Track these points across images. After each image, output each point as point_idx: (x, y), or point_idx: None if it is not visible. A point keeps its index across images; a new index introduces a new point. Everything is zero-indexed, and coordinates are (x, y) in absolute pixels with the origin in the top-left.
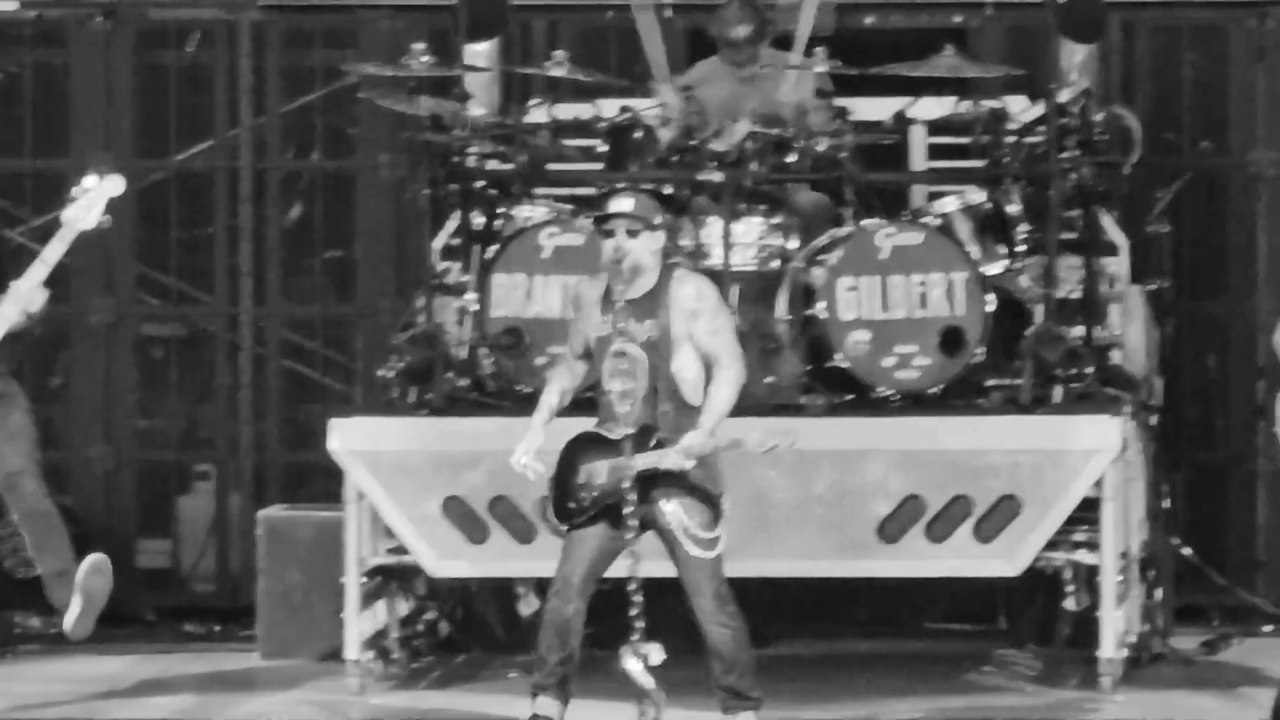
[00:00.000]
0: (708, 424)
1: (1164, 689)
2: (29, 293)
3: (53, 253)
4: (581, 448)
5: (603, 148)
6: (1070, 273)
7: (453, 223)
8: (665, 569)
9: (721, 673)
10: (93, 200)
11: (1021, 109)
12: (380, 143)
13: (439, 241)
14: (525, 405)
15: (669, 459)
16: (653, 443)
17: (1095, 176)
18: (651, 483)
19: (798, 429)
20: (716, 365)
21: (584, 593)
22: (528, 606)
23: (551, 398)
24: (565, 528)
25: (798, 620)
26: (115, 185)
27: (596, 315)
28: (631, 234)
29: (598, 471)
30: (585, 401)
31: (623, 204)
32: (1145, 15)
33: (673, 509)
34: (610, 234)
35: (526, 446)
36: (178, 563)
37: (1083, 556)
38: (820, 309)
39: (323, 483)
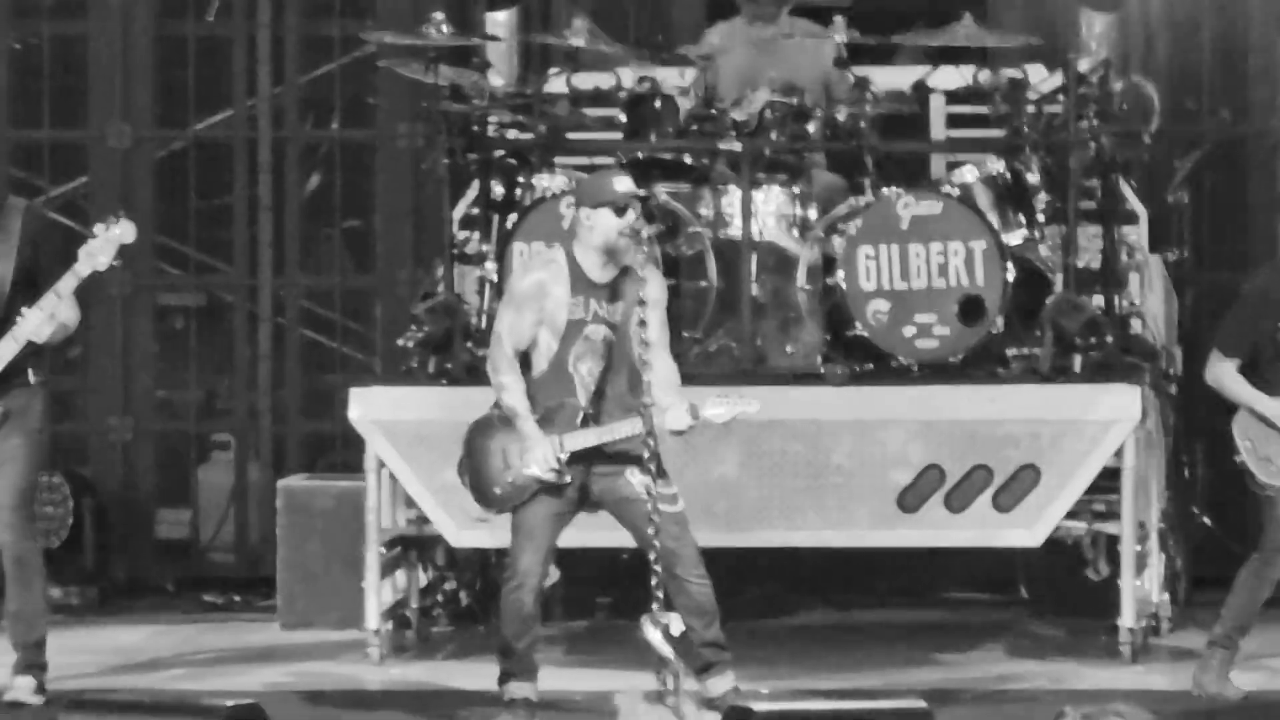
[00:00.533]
0: (676, 399)
1: (1184, 658)
2: (37, 324)
3: (65, 286)
4: (488, 432)
5: (622, 117)
6: (1090, 242)
7: (472, 192)
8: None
9: (704, 628)
10: (105, 245)
11: (1041, 78)
12: (399, 112)
13: (458, 211)
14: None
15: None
16: (579, 419)
17: (1115, 146)
18: (596, 458)
19: (758, 395)
20: (657, 354)
21: (542, 579)
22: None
23: (524, 401)
24: (492, 514)
25: (816, 590)
26: (127, 232)
27: (564, 297)
28: (647, 214)
29: (516, 453)
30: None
31: (630, 184)
32: None
33: (637, 478)
34: (623, 213)
35: (548, 453)
36: (197, 533)
37: (1102, 526)
38: (839, 279)
39: (342, 452)
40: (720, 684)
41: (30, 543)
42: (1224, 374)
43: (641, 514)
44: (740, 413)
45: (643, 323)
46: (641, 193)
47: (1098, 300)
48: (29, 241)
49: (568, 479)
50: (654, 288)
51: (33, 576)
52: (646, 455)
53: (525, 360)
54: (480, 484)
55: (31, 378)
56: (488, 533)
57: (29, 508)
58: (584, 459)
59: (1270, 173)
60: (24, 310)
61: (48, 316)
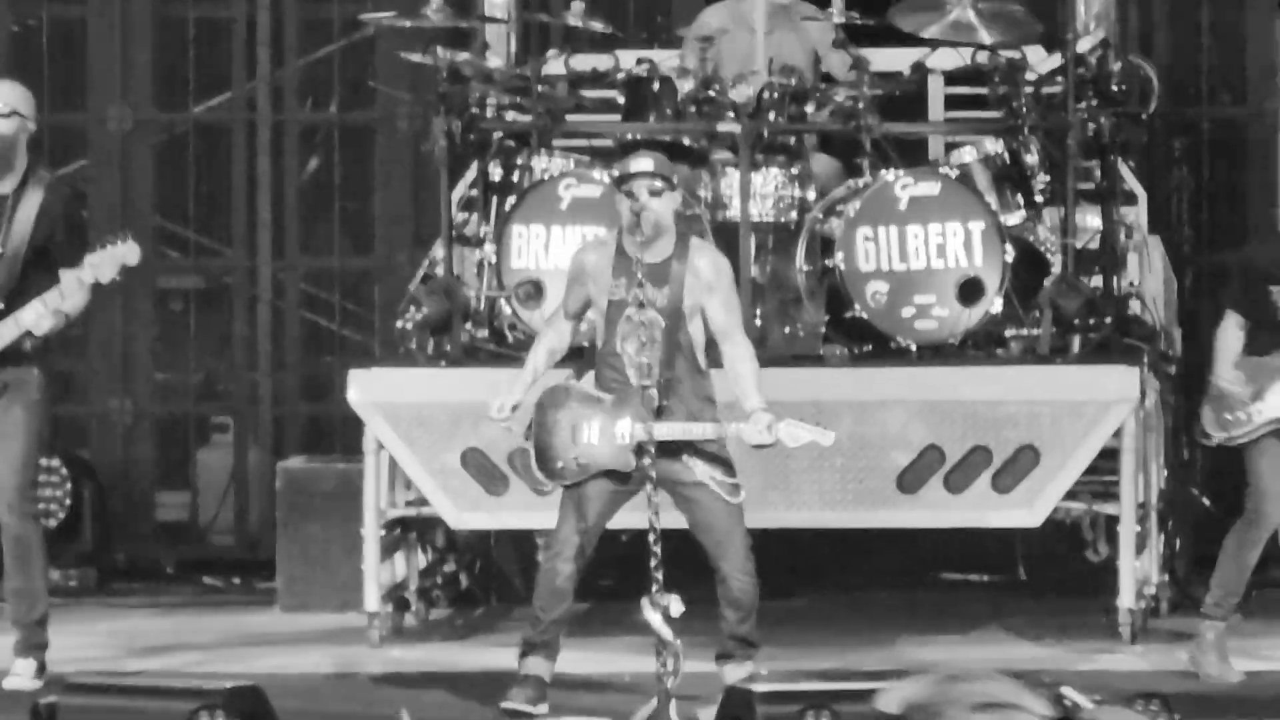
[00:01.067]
0: (757, 400)
1: (1182, 639)
2: (38, 317)
3: (70, 289)
4: (562, 402)
5: (620, 99)
6: (1089, 223)
7: (471, 174)
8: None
9: (738, 622)
10: (110, 260)
11: (1039, 59)
12: (398, 94)
13: (457, 193)
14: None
15: (749, 433)
16: (655, 407)
17: (1113, 127)
18: (669, 446)
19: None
20: (728, 340)
21: (582, 553)
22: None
23: (540, 358)
24: (551, 486)
25: (816, 571)
26: (132, 254)
27: (607, 279)
28: (654, 193)
29: (586, 430)
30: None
31: (644, 163)
32: None
33: (700, 465)
34: (631, 193)
35: (507, 401)
36: (196, 515)
37: (1101, 507)
38: (838, 260)
39: (341, 435)
40: (737, 672)
41: (30, 521)
42: (1225, 326)
43: (698, 499)
44: (814, 441)
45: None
46: (649, 169)
47: (1097, 281)
48: (47, 215)
49: (631, 464)
50: (705, 269)
51: (33, 555)
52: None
53: (587, 347)
54: (544, 453)
55: (32, 355)
56: (486, 514)
57: (30, 485)
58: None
59: (1269, 153)
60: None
61: (51, 311)
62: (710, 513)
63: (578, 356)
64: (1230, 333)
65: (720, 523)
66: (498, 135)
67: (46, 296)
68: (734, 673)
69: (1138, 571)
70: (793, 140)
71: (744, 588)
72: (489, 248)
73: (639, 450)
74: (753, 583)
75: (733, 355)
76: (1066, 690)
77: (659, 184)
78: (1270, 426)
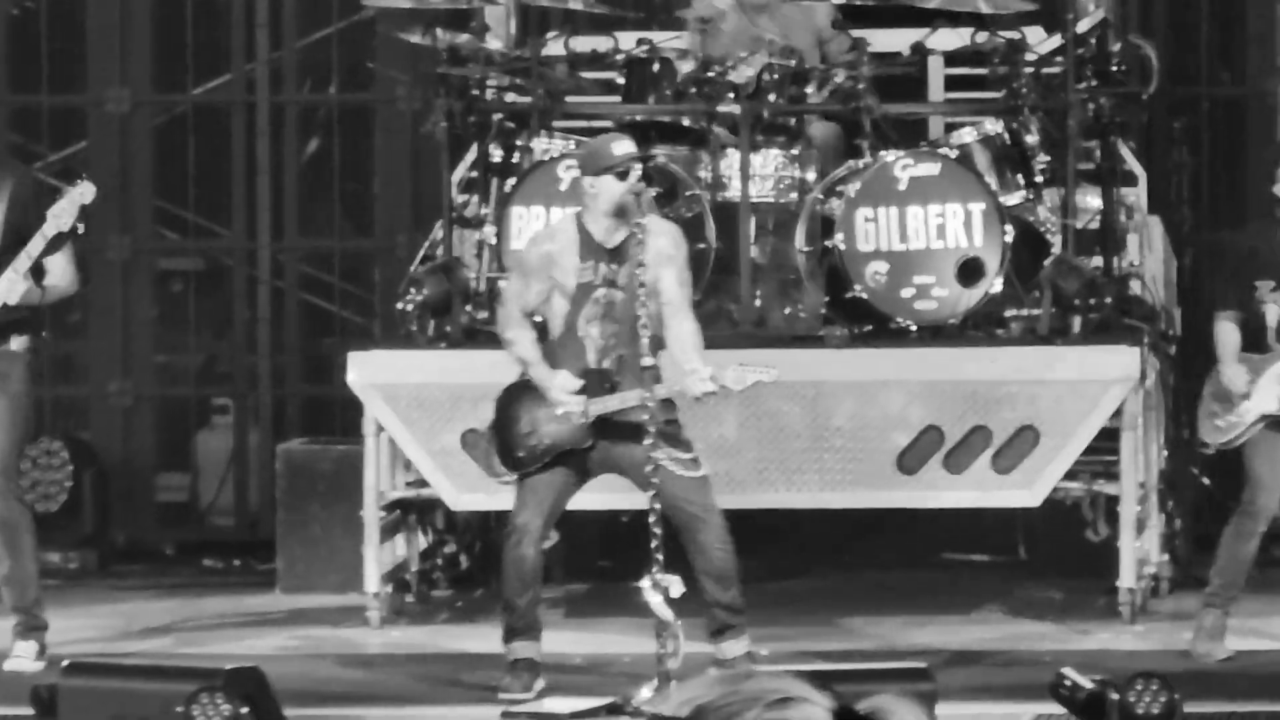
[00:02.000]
0: (700, 364)
1: (1183, 619)
2: (8, 286)
3: (35, 247)
4: (517, 397)
5: (620, 80)
6: (1089, 203)
7: (470, 155)
8: None
9: (721, 591)
10: (68, 206)
11: (1039, 40)
12: (398, 76)
13: (457, 174)
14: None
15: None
16: (607, 386)
17: (1113, 107)
18: (628, 429)
19: (776, 362)
20: (677, 314)
21: (544, 536)
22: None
23: (535, 350)
24: (514, 476)
25: (816, 552)
26: (86, 193)
27: (574, 263)
28: (646, 176)
29: (542, 419)
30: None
31: (630, 146)
32: None
33: (653, 445)
34: (624, 176)
35: (567, 384)
36: (197, 497)
37: (1102, 487)
38: (838, 240)
39: (341, 416)
40: (735, 647)
41: (16, 504)
42: (1218, 327)
43: (662, 479)
44: (759, 380)
45: (642, 285)
46: (640, 153)
47: (1096, 261)
48: (18, 203)
49: (586, 443)
50: (666, 244)
51: (22, 540)
52: (653, 420)
53: (543, 327)
54: (505, 446)
55: (14, 344)
56: (486, 495)
57: (14, 472)
58: (603, 427)
59: (1268, 133)
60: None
61: (20, 276)
62: (677, 488)
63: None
64: (1228, 333)
65: (691, 495)
66: (497, 117)
67: (15, 262)
68: (732, 648)
69: (1138, 551)
70: (792, 121)
71: (723, 556)
72: (489, 229)
73: (596, 426)
74: (731, 551)
75: (678, 328)
76: (1067, 670)
77: (646, 165)
78: (1262, 422)
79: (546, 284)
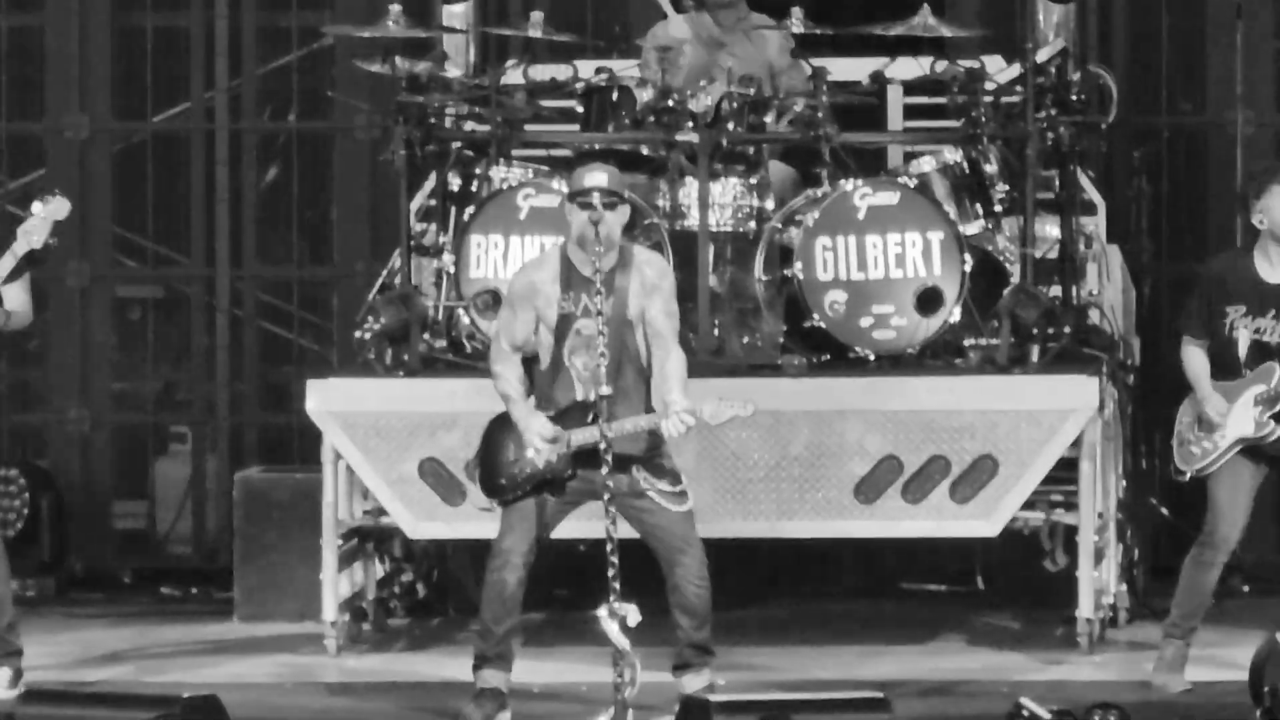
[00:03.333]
0: (680, 397)
1: (1141, 649)
2: None
3: (4, 265)
4: (505, 426)
5: (579, 109)
6: (1048, 232)
7: (429, 184)
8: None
9: (694, 629)
10: (41, 223)
11: (998, 69)
12: (357, 104)
13: (416, 203)
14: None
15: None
16: (590, 418)
17: (1072, 136)
18: (616, 459)
19: (754, 397)
20: (663, 346)
21: (527, 564)
22: None
23: (518, 386)
24: (495, 504)
25: (773, 581)
26: (61, 208)
27: (556, 293)
28: (608, 206)
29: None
30: None
31: (599, 177)
32: None
33: (643, 476)
34: (588, 206)
35: (541, 429)
36: (154, 525)
37: (1060, 516)
38: (797, 269)
39: (299, 445)
40: (695, 682)
41: None
42: (1186, 354)
43: (647, 509)
44: (736, 415)
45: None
46: (604, 184)
47: (1055, 291)
48: None
49: (567, 473)
50: (652, 274)
51: None
52: (608, 452)
53: (532, 359)
54: (488, 473)
55: None
56: (444, 524)
57: None
58: (591, 458)
59: (1228, 163)
60: None
61: None
62: (660, 521)
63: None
64: (1198, 358)
65: (673, 529)
66: (456, 145)
67: None
68: (692, 683)
69: (1096, 581)
70: (751, 150)
71: (699, 594)
72: (447, 257)
73: (577, 456)
74: (707, 590)
75: (663, 359)
76: (1025, 700)
77: (613, 198)
78: (1238, 446)
79: (532, 314)
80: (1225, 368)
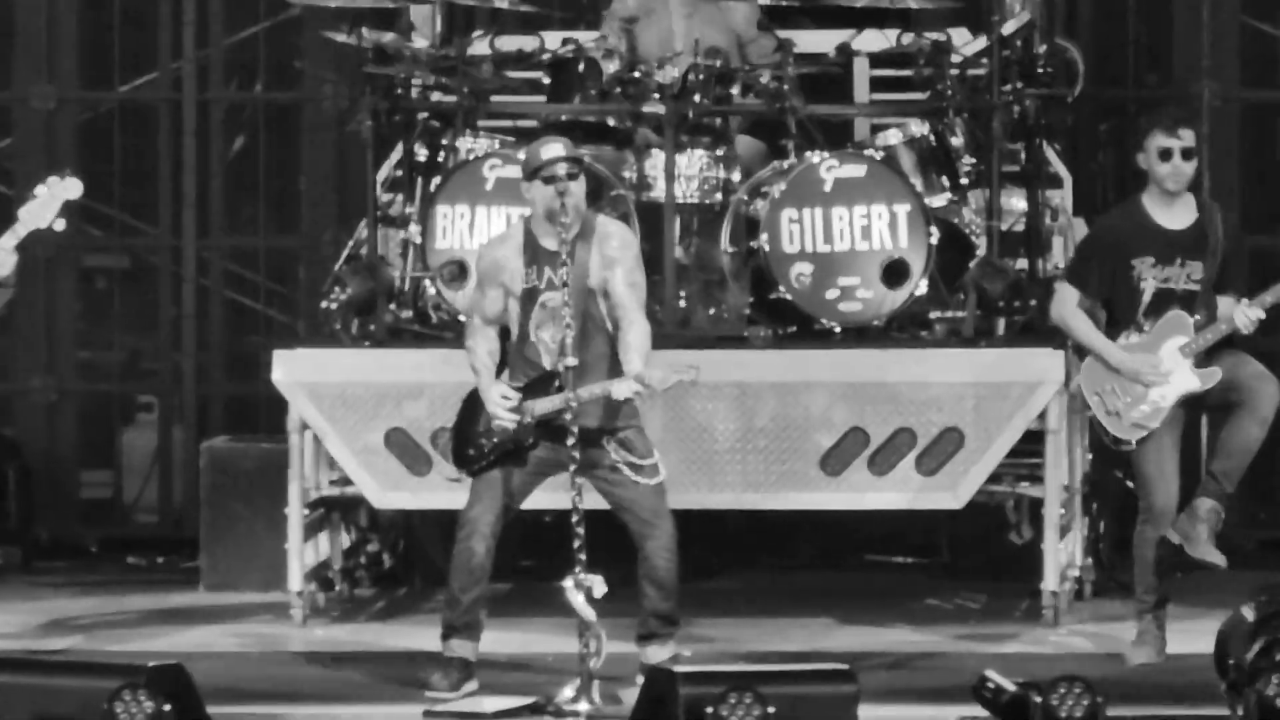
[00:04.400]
0: (639, 366)
1: (1106, 621)
2: None
3: (5, 242)
4: (476, 398)
5: (546, 80)
6: (1014, 205)
7: (396, 155)
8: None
9: (660, 600)
10: (48, 201)
11: (964, 41)
12: (324, 74)
13: (382, 173)
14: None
15: (617, 388)
16: (554, 388)
17: (1038, 109)
18: (586, 431)
19: (699, 362)
20: (625, 316)
21: (495, 533)
22: None
23: (485, 360)
24: (463, 474)
25: (740, 552)
26: (73, 188)
27: (520, 268)
28: (571, 177)
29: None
30: None
31: (558, 148)
32: None
33: (613, 449)
34: (551, 179)
35: (503, 397)
36: (120, 494)
37: (1026, 489)
38: (763, 241)
39: (266, 414)
40: (659, 653)
41: None
42: (1069, 312)
43: (617, 481)
44: (681, 380)
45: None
46: (565, 155)
47: (1021, 263)
48: None
49: (529, 441)
50: (614, 246)
51: None
52: (575, 421)
53: (507, 333)
54: (458, 444)
55: None
56: (410, 494)
57: None
58: (559, 430)
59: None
60: None
61: None
62: (630, 494)
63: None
64: (1081, 321)
65: (643, 502)
66: (423, 115)
67: None
68: (656, 653)
69: (1061, 554)
70: (718, 122)
71: (668, 567)
72: (414, 228)
73: (540, 426)
74: (674, 562)
75: (626, 328)
76: (990, 673)
77: (576, 168)
78: (1180, 403)
79: (499, 289)
80: (1118, 319)
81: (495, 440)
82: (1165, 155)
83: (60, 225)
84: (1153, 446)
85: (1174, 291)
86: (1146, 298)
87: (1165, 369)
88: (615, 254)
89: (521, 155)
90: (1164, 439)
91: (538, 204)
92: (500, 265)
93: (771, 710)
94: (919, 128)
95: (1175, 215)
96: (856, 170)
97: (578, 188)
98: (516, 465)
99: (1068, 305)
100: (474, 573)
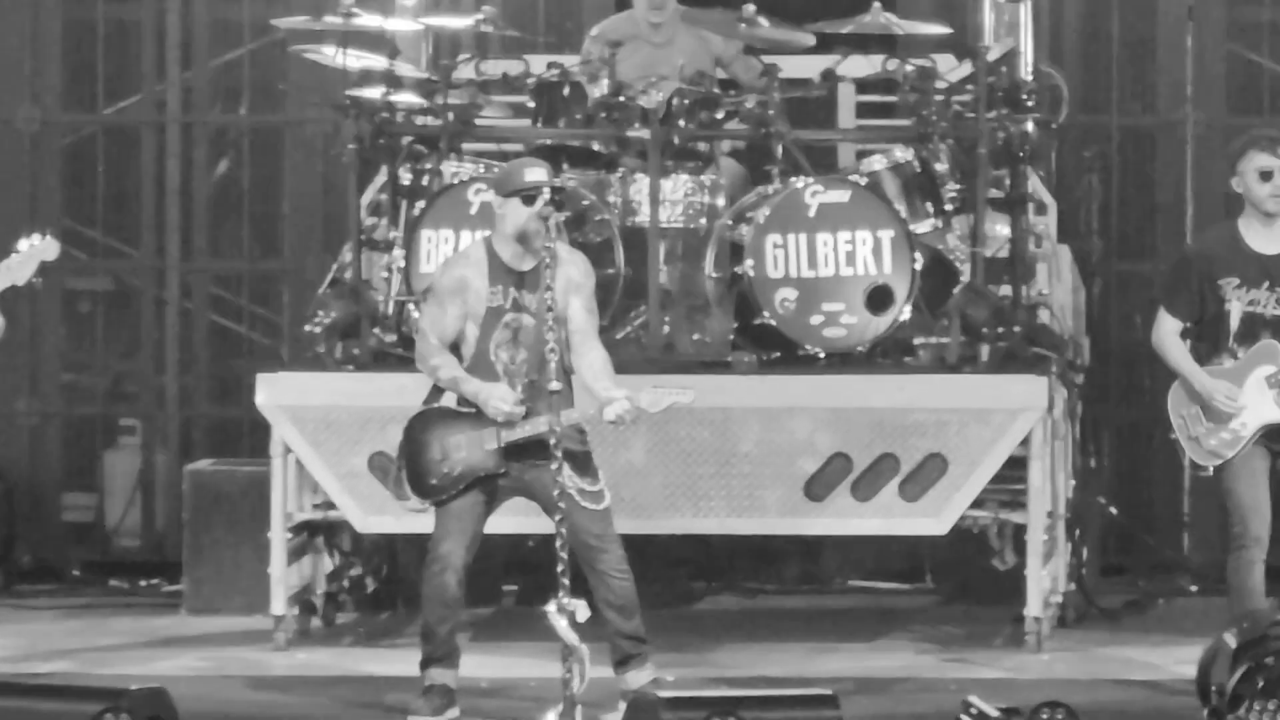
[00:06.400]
0: (614, 389)
1: (1089, 647)
2: None
3: None
4: (427, 425)
5: (531, 104)
6: (998, 231)
7: (380, 178)
8: None
9: (623, 621)
10: (26, 260)
11: (950, 68)
12: (308, 98)
13: (366, 197)
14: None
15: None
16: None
17: (1023, 135)
18: (526, 451)
19: (691, 385)
20: (586, 342)
21: (465, 564)
22: None
23: (460, 369)
24: (427, 504)
25: (723, 578)
26: (49, 250)
27: (484, 287)
28: (557, 204)
29: (454, 446)
30: None
31: (542, 172)
32: None
33: (565, 474)
34: (531, 201)
35: (504, 394)
36: (103, 517)
37: (1009, 515)
38: (747, 267)
39: (249, 438)
40: (639, 677)
41: None
42: (1166, 336)
43: (567, 507)
44: (675, 402)
45: (549, 310)
46: (552, 180)
47: (1005, 290)
48: None
49: (500, 469)
50: (575, 273)
51: None
52: (559, 446)
53: (455, 353)
54: (416, 474)
55: None
56: (393, 519)
57: None
58: (515, 452)
59: (1179, 164)
60: None
61: None
62: (578, 520)
63: None
64: (1175, 346)
65: (590, 527)
66: (407, 139)
67: None
68: (636, 677)
69: (1045, 580)
70: (702, 147)
71: (623, 586)
72: (398, 252)
73: (508, 452)
74: (630, 580)
75: (589, 355)
76: (973, 699)
77: (558, 194)
78: (1261, 432)
79: (461, 309)
80: (1210, 341)
81: (462, 469)
82: (1266, 176)
83: (36, 282)
84: (1243, 473)
85: (1262, 316)
86: (1234, 321)
87: (1243, 401)
88: (579, 281)
89: (495, 172)
90: (1257, 462)
91: (509, 222)
92: (465, 284)
93: None
94: (904, 153)
95: (1270, 239)
96: (841, 196)
97: (556, 214)
98: (483, 492)
99: (1162, 330)
100: (448, 605)
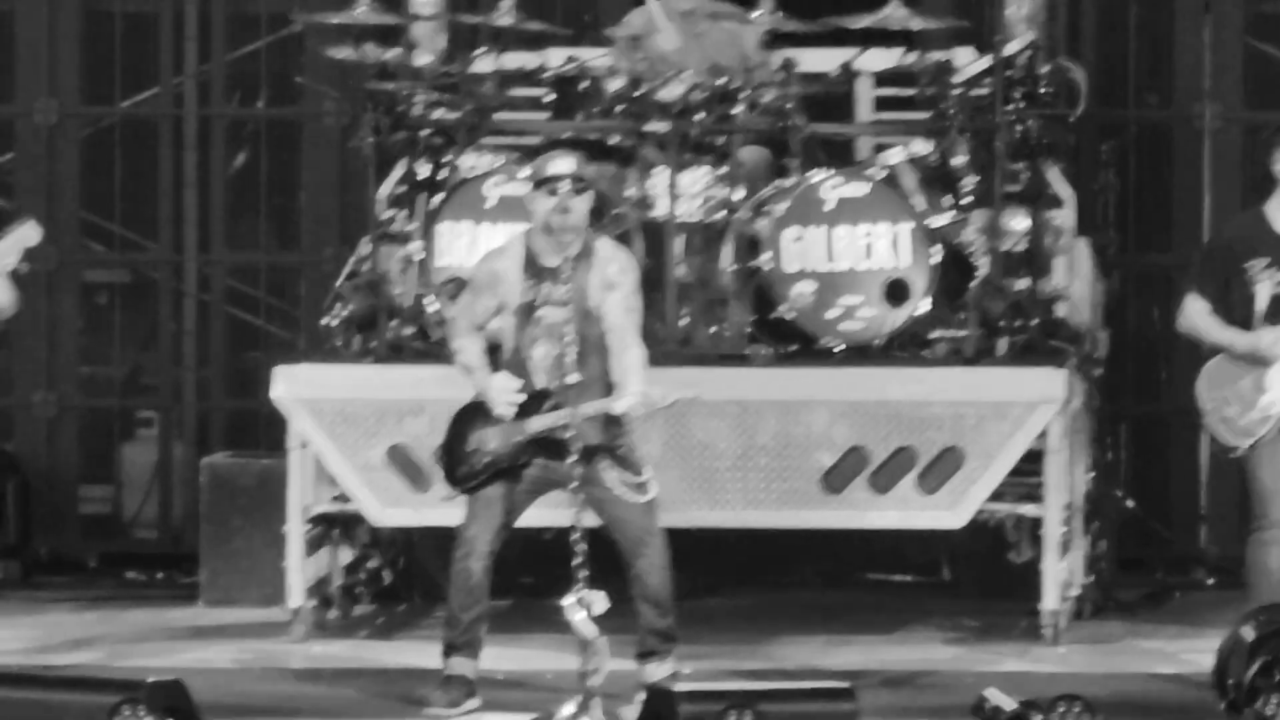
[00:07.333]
0: (639, 386)
1: (1106, 641)
2: None
3: None
4: (469, 417)
5: (549, 97)
6: (1016, 225)
7: (398, 171)
8: None
9: (658, 617)
10: (12, 246)
11: (968, 61)
12: (326, 91)
13: (384, 190)
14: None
15: (618, 404)
16: (549, 405)
17: (1041, 129)
18: (554, 443)
19: (701, 381)
20: (621, 340)
21: (492, 551)
22: None
23: (480, 356)
24: (457, 492)
25: (740, 570)
26: (30, 235)
27: (519, 281)
28: (576, 193)
29: (489, 437)
30: None
31: (565, 164)
32: None
33: (606, 466)
34: (554, 193)
35: (504, 386)
36: (120, 509)
37: (1026, 508)
38: (765, 260)
39: (266, 430)
40: (658, 670)
41: None
42: (1196, 315)
43: (609, 499)
44: (683, 395)
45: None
46: (571, 171)
47: (1023, 283)
48: None
49: (523, 460)
50: (614, 270)
51: None
52: (577, 438)
53: (496, 352)
54: (450, 464)
55: None
56: (410, 511)
57: None
58: (546, 444)
59: (1195, 158)
60: None
61: None
62: (622, 512)
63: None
64: (1203, 315)
65: (635, 520)
66: (425, 132)
67: None
68: (656, 670)
69: (1061, 573)
70: (720, 140)
71: (662, 583)
72: (416, 245)
73: (536, 444)
74: (669, 579)
75: (622, 351)
76: (989, 692)
77: (581, 185)
78: None
79: (494, 301)
80: (1238, 324)
81: (488, 459)
82: None
83: (25, 269)
84: (1267, 452)
85: None
86: (1262, 303)
87: (1271, 377)
88: (615, 278)
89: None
90: (1276, 451)
91: (537, 216)
92: (499, 277)
93: None
94: (922, 147)
95: None
96: (859, 189)
97: (580, 204)
98: (511, 482)
99: (1190, 309)
100: (473, 592)
